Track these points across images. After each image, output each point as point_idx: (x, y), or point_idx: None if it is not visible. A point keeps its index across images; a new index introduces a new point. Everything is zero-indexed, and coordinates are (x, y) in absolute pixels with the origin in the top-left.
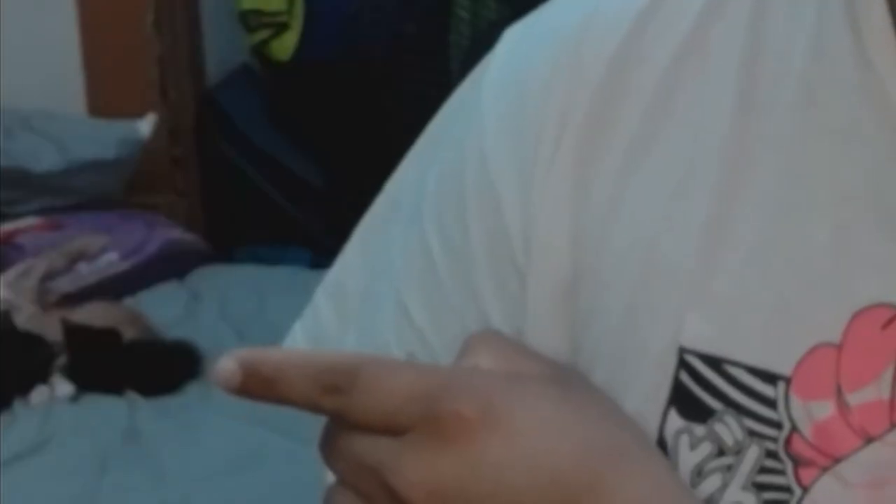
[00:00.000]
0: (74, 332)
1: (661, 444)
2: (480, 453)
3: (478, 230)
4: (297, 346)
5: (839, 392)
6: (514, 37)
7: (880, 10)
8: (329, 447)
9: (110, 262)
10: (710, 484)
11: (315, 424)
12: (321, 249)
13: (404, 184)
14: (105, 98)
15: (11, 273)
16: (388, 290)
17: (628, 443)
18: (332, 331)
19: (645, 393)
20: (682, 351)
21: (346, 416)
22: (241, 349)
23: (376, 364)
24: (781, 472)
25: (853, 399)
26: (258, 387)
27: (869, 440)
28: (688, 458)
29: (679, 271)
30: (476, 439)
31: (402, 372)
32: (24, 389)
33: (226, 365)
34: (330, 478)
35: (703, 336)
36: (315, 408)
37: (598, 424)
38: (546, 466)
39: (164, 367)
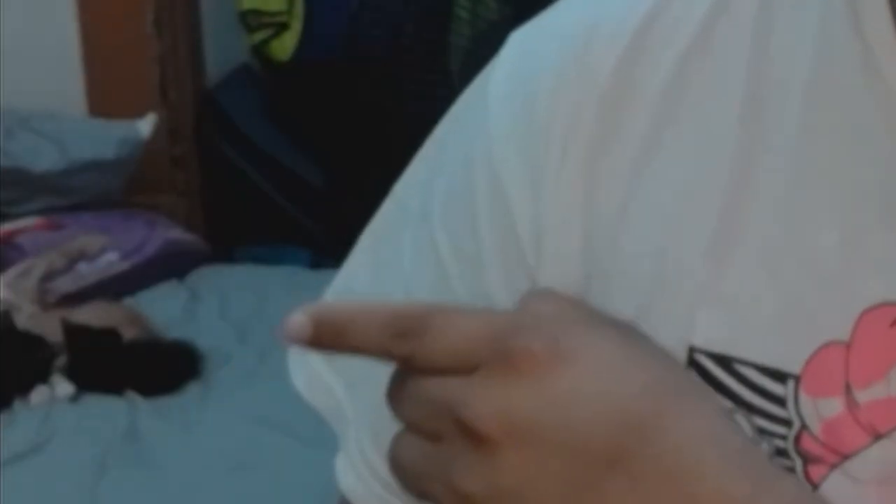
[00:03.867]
0: (74, 332)
1: None
2: (550, 387)
3: (488, 234)
4: None
5: (848, 390)
6: (520, 39)
7: (883, 13)
8: (398, 393)
9: (110, 262)
10: None
11: (315, 425)
12: (321, 249)
13: (412, 187)
14: (105, 98)
15: (11, 273)
16: (398, 293)
17: (685, 380)
18: None
19: None
20: (693, 350)
21: (418, 359)
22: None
23: (446, 308)
24: (791, 470)
25: (862, 396)
26: (329, 337)
27: (877, 437)
28: None
29: (689, 273)
30: (546, 374)
31: (472, 315)
32: (24, 389)
33: (296, 318)
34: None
35: (714, 336)
36: (386, 354)
37: (659, 365)
38: (612, 399)
39: (164, 367)
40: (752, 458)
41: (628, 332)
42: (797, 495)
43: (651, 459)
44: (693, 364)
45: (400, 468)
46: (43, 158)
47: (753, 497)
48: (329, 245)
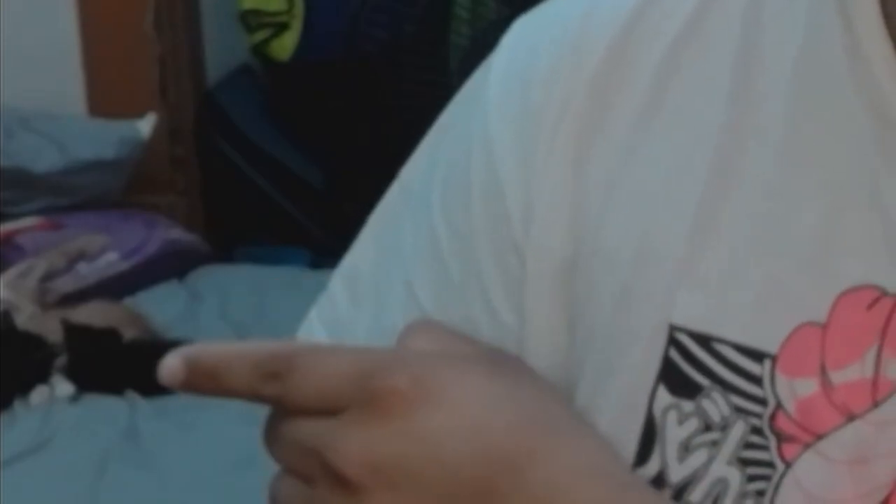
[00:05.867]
0: (74, 332)
1: (650, 419)
2: (416, 425)
3: (481, 215)
4: (314, 331)
5: (823, 370)
6: (521, 27)
7: (870, 1)
8: (271, 435)
9: (110, 262)
10: (696, 458)
11: None
12: (321, 249)
13: (416, 171)
14: (105, 98)
15: (11, 273)
16: (398, 273)
17: (563, 416)
18: (345, 314)
19: (635, 370)
20: (673, 329)
21: (286, 401)
22: (186, 347)
23: (313, 349)
24: (765, 448)
25: (837, 377)
26: (202, 380)
27: (851, 418)
28: (675, 434)
29: (671, 252)
30: (411, 412)
31: (338, 354)
32: (24, 389)
33: (169, 362)
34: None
35: (693, 314)
36: (256, 396)
37: (531, 399)
38: (482, 436)
39: None
40: (632, 490)
41: (503, 365)
42: None
43: (522, 494)
44: (673, 342)
45: None
46: (43, 158)
47: None
48: (329, 245)
